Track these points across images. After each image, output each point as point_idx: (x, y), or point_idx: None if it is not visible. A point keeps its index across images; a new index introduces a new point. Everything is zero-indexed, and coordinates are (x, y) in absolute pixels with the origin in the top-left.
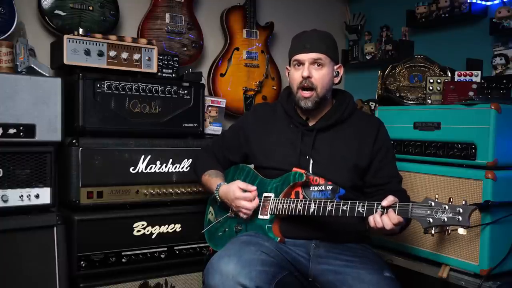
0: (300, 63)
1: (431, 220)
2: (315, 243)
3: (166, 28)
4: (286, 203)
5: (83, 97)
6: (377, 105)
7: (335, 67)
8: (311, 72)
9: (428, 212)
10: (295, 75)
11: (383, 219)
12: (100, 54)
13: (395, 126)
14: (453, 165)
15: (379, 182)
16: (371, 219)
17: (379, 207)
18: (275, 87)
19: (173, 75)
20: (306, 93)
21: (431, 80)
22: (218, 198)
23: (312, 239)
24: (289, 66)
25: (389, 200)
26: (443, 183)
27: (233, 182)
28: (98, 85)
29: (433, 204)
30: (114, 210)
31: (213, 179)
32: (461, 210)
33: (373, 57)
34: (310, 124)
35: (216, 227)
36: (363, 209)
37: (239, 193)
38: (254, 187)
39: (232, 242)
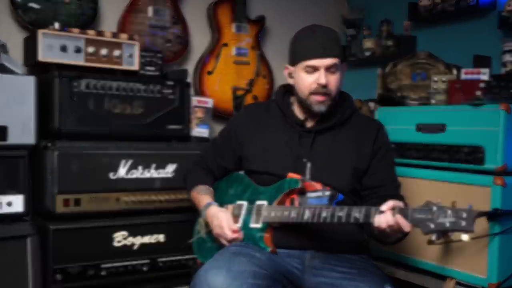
0: (315, 69)
1: (432, 225)
2: (310, 254)
3: (149, 22)
4: (279, 211)
5: (59, 97)
6: (377, 105)
7: (341, 66)
8: (327, 78)
9: (429, 216)
10: (307, 81)
11: (380, 217)
12: (78, 50)
13: (396, 128)
14: (459, 170)
15: (374, 184)
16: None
17: (378, 211)
18: (267, 86)
19: (157, 73)
20: (321, 97)
21: (435, 79)
22: (204, 217)
23: (307, 249)
24: (292, 66)
25: (388, 204)
26: (448, 190)
27: (221, 211)
28: (75, 84)
29: (434, 208)
30: (92, 219)
31: (201, 196)
32: (464, 214)
33: (372, 53)
34: (308, 125)
35: (204, 238)
36: (360, 214)
37: (225, 224)
38: (239, 229)
39: (221, 253)
